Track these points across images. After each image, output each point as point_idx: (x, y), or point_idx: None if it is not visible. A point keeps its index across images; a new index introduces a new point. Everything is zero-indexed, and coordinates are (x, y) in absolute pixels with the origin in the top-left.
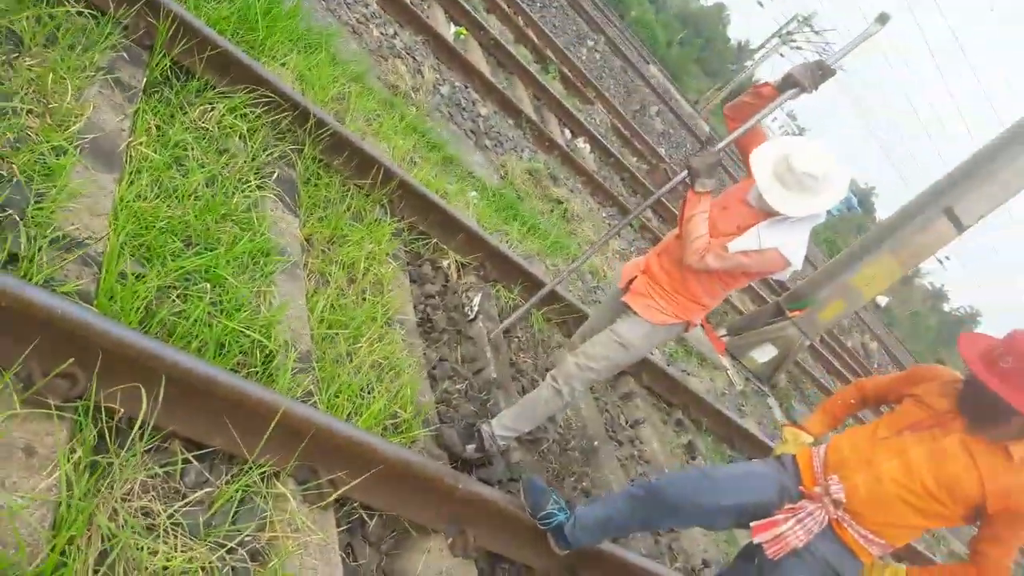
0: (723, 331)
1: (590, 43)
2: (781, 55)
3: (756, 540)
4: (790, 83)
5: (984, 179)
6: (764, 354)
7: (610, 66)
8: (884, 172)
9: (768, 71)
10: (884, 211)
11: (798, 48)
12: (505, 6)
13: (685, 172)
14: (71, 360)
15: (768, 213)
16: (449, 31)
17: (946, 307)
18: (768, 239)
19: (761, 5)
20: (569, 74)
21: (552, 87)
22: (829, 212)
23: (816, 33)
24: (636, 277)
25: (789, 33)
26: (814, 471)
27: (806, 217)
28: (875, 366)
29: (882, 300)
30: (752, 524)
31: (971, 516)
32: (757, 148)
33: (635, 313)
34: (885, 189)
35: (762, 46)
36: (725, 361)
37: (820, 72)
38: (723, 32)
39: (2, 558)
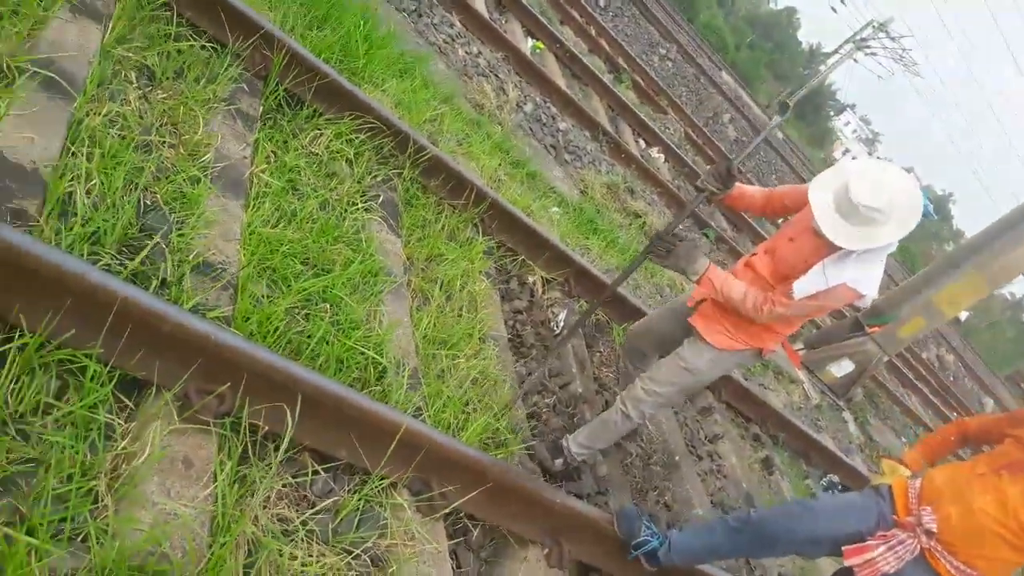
0: (800, 345)
1: (662, 51)
2: (855, 60)
3: (847, 563)
4: (698, 190)
5: None
6: (841, 369)
7: (682, 74)
8: (963, 178)
9: (842, 76)
10: (962, 218)
11: (873, 54)
12: (578, 16)
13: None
14: (225, 383)
15: (834, 245)
16: (527, 45)
17: None
18: (835, 276)
19: (835, 11)
20: (642, 83)
21: (626, 96)
22: None
23: (892, 39)
24: (705, 299)
25: (864, 39)
26: (908, 501)
27: (877, 248)
28: (951, 379)
29: (962, 314)
30: (844, 548)
31: None
32: (817, 177)
33: (701, 337)
34: (964, 196)
35: (836, 51)
36: (802, 375)
37: (725, 172)
38: (794, 35)
39: (175, 562)
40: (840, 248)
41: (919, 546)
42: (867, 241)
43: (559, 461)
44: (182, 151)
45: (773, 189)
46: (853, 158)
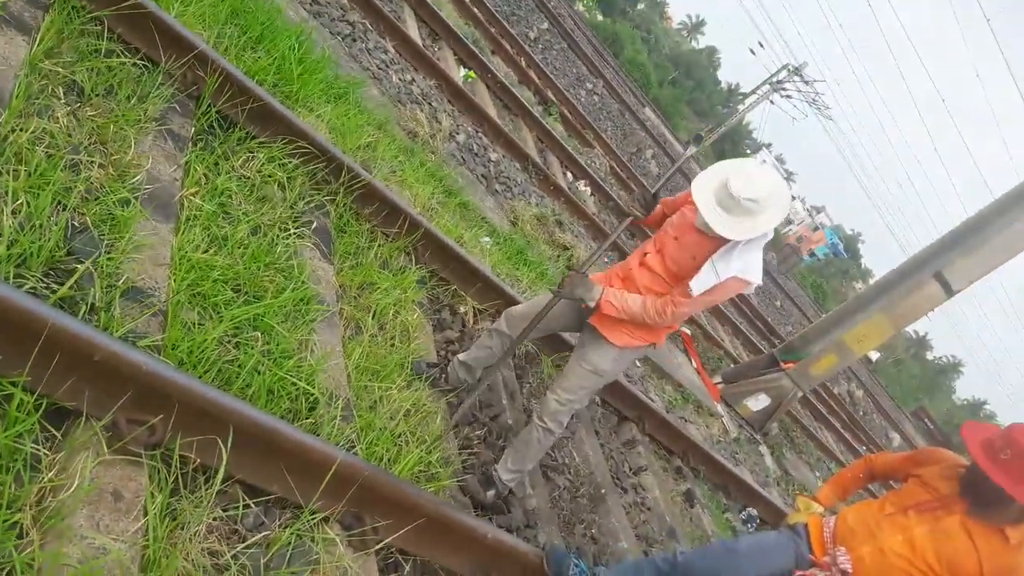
0: (719, 379)
1: (589, 85)
2: (771, 102)
3: None
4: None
5: (974, 246)
6: (758, 403)
7: (608, 108)
8: (871, 218)
9: (758, 117)
10: (870, 258)
11: (788, 96)
12: (509, 47)
13: (556, 299)
14: (156, 413)
15: (719, 239)
16: (459, 74)
17: (929, 355)
18: (724, 269)
19: (753, 53)
20: (570, 116)
21: (554, 129)
22: (814, 255)
23: (806, 83)
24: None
25: (779, 82)
26: (824, 541)
27: (756, 238)
28: (860, 414)
29: (873, 355)
30: None
31: None
32: (697, 178)
33: (603, 337)
34: (871, 236)
35: (753, 92)
36: (720, 408)
37: (650, 200)
38: (713, 75)
39: None
40: (725, 242)
41: None
42: (750, 231)
43: (491, 493)
44: (111, 171)
45: (664, 200)
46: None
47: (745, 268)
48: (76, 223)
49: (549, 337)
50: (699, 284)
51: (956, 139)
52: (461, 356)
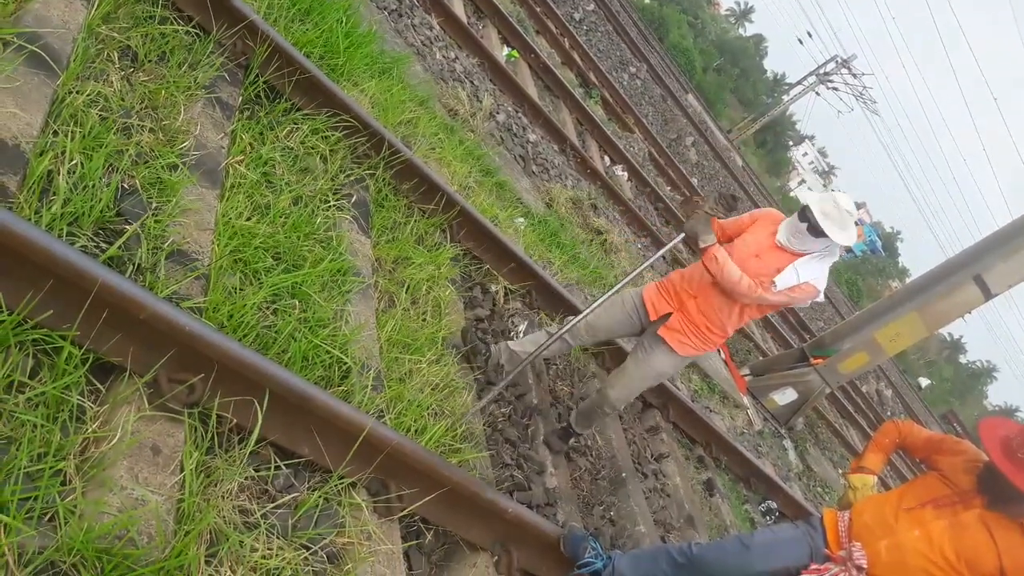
0: (746, 371)
1: (632, 69)
2: (817, 94)
3: None
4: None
5: (1016, 250)
6: (785, 397)
7: (650, 93)
8: (911, 217)
9: (802, 108)
10: (908, 257)
11: (834, 89)
12: (553, 27)
13: (682, 235)
14: (196, 373)
15: (798, 254)
16: (502, 53)
17: (962, 359)
18: (804, 274)
19: (801, 42)
20: (611, 99)
21: (595, 112)
22: (851, 252)
23: (854, 76)
24: (671, 313)
25: (827, 73)
26: (839, 535)
27: (829, 253)
28: (888, 414)
29: (923, 381)
30: None
31: None
32: (808, 193)
33: (668, 346)
34: (911, 235)
35: (798, 83)
36: (746, 400)
37: (727, 200)
38: (759, 63)
39: (140, 548)
40: (802, 255)
41: None
42: (848, 239)
43: (571, 440)
44: (161, 136)
45: (723, 222)
46: (809, 188)
47: (818, 277)
48: (126, 185)
49: None
50: (783, 280)
51: (1006, 141)
52: (513, 345)
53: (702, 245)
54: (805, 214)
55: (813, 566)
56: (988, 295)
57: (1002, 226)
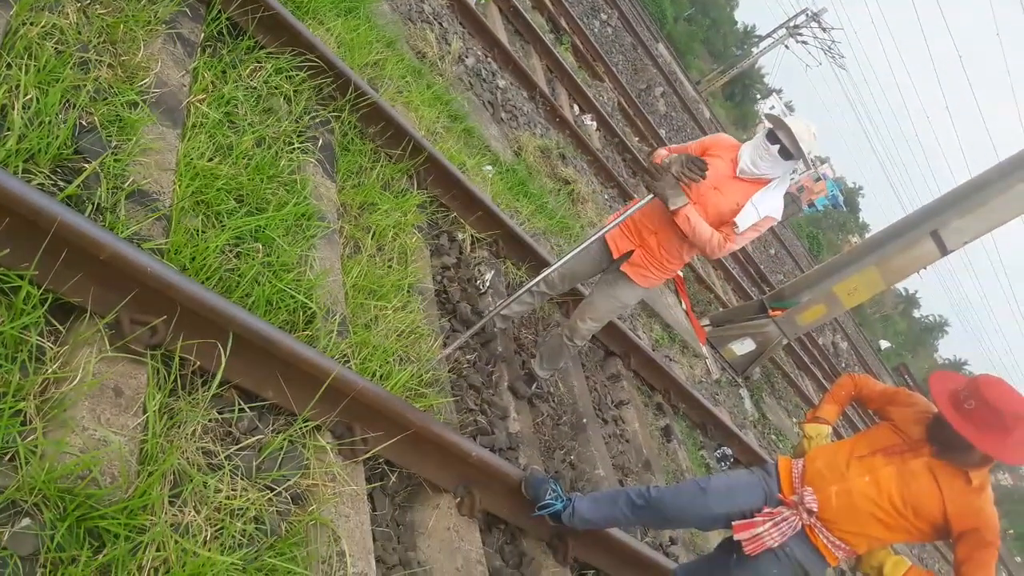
0: (706, 321)
1: (603, 16)
2: (786, 47)
3: (736, 537)
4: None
5: (973, 207)
6: (743, 347)
7: (621, 41)
8: (873, 173)
9: (772, 61)
10: (869, 212)
11: (803, 43)
12: None
13: (651, 196)
14: (159, 315)
15: (758, 181)
16: None
17: (916, 313)
18: (764, 208)
19: None
20: (581, 46)
21: (565, 59)
22: (813, 206)
23: (823, 30)
24: (633, 251)
25: (796, 27)
26: (792, 481)
27: (784, 179)
28: (843, 365)
29: (884, 344)
30: (733, 523)
31: (934, 534)
32: (787, 118)
33: (632, 280)
34: (873, 190)
35: (768, 35)
36: (705, 350)
37: (697, 164)
38: (731, 15)
39: (104, 488)
40: (760, 186)
41: (800, 523)
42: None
43: (534, 386)
44: (120, 72)
45: (671, 148)
46: (771, 109)
47: (776, 206)
48: (84, 122)
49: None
50: (744, 220)
51: (969, 100)
52: (502, 311)
53: (672, 207)
54: (776, 135)
55: (766, 509)
56: (944, 251)
57: (960, 184)
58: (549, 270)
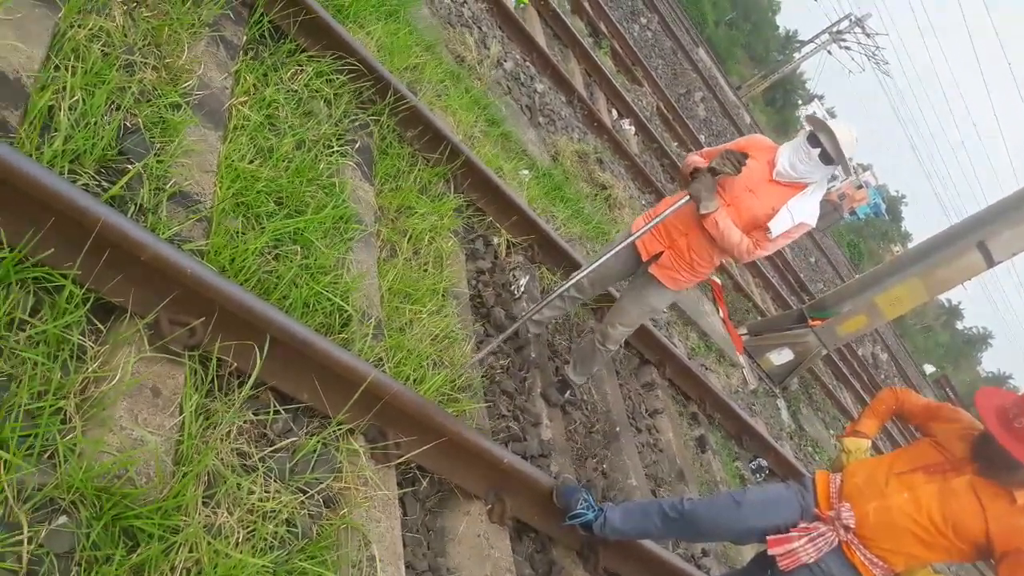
0: (744, 330)
1: (643, 20)
2: (829, 52)
3: (771, 552)
4: (712, 172)
5: (1022, 218)
6: (781, 357)
7: (660, 46)
8: (917, 181)
9: (814, 67)
10: (912, 221)
11: (847, 48)
12: None
13: (686, 198)
14: (197, 316)
15: (795, 185)
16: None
17: (959, 325)
18: (798, 214)
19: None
20: (620, 51)
21: (604, 63)
22: (855, 214)
23: (867, 36)
24: (662, 253)
25: (840, 32)
26: (830, 496)
27: (822, 184)
28: (883, 377)
29: (928, 368)
30: (768, 538)
31: (975, 554)
32: (831, 121)
33: (661, 283)
34: (916, 199)
35: (811, 40)
36: (742, 359)
37: (737, 158)
38: (772, 20)
39: (139, 487)
40: (796, 190)
41: (837, 539)
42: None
43: (568, 394)
44: (164, 75)
45: (705, 152)
46: (814, 111)
47: (812, 213)
48: (128, 124)
49: None
50: (778, 226)
51: (1018, 108)
52: (534, 317)
53: (703, 212)
54: (817, 138)
55: (802, 524)
56: (991, 262)
57: (1009, 194)
58: (579, 274)
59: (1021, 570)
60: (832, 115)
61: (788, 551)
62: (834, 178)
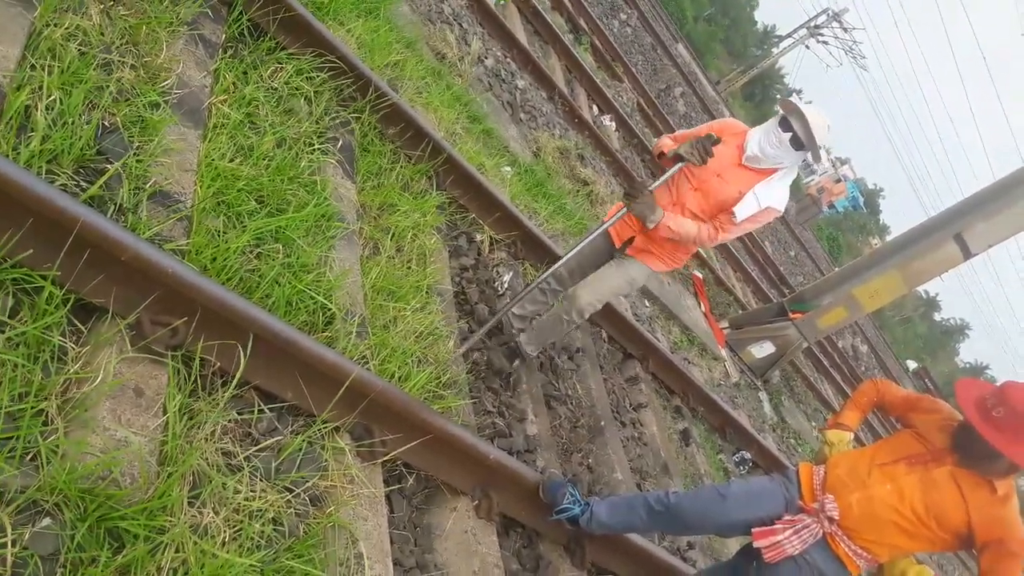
0: (725, 324)
1: (623, 16)
2: (807, 47)
3: (756, 544)
4: (678, 159)
5: (997, 210)
6: (762, 350)
7: (640, 41)
8: (895, 175)
9: (791, 62)
10: (889, 214)
11: (824, 43)
12: None
13: (624, 210)
14: (180, 316)
15: (764, 171)
16: None
17: (937, 316)
18: (765, 198)
19: None
20: (600, 47)
21: (584, 59)
22: (833, 208)
23: (845, 30)
24: (634, 237)
25: (817, 27)
26: (814, 488)
27: (790, 171)
28: (863, 369)
29: (911, 364)
30: (753, 530)
31: (957, 544)
32: (804, 105)
33: (639, 262)
34: (893, 192)
35: (789, 35)
36: (724, 353)
37: (704, 147)
38: (750, 15)
39: (123, 489)
40: (764, 175)
41: (822, 531)
42: (818, 156)
43: (516, 363)
44: (142, 73)
45: (677, 135)
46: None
47: (780, 198)
48: (106, 123)
49: None
50: (743, 211)
51: (993, 103)
52: (515, 309)
53: (651, 226)
54: (789, 122)
55: (787, 516)
56: (968, 254)
57: (985, 186)
58: (557, 264)
59: (1002, 560)
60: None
61: (773, 543)
62: (813, 172)
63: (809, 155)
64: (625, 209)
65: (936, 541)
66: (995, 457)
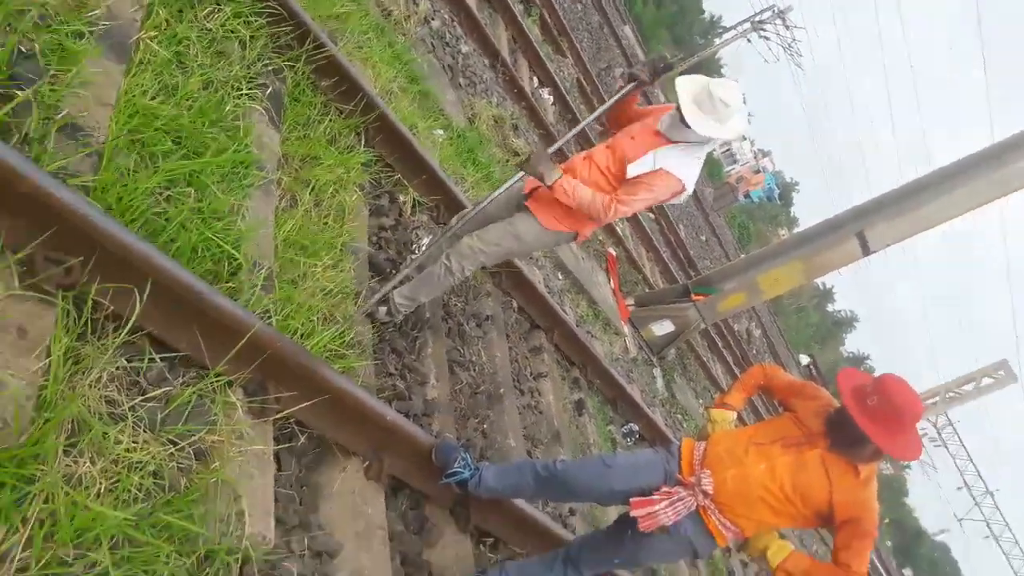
0: (631, 301)
1: None
2: (748, 40)
3: (633, 513)
4: (631, 78)
5: (899, 212)
6: (662, 329)
7: (588, 20)
8: (812, 171)
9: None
10: (801, 207)
11: (765, 38)
12: None
13: (521, 174)
14: (76, 255)
15: (672, 141)
16: None
17: (830, 307)
18: (661, 161)
19: None
20: (549, 20)
21: (531, 31)
22: (748, 197)
23: (787, 28)
24: (540, 187)
25: (761, 22)
26: (693, 463)
27: (697, 146)
28: (754, 352)
29: (804, 359)
30: (631, 500)
31: (818, 520)
32: (681, 77)
33: (533, 216)
34: (808, 187)
35: (733, 27)
36: (626, 329)
37: (660, 66)
38: (698, 4)
39: None
40: (677, 143)
41: (695, 503)
42: (715, 131)
43: (383, 309)
44: (70, 1)
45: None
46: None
47: (678, 166)
48: (24, 48)
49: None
50: (635, 168)
51: (912, 111)
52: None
53: (548, 183)
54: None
55: (664, 488)
56: (867, 251)
57: (890, 189)
58: (468, 211)
59: (856, 537)
60: (743, 100)
61: (648, 513)
62: (735, 161)
63: (705, 129)
64: (520, 176)
65: (799, 518)
66: (863, 442)
